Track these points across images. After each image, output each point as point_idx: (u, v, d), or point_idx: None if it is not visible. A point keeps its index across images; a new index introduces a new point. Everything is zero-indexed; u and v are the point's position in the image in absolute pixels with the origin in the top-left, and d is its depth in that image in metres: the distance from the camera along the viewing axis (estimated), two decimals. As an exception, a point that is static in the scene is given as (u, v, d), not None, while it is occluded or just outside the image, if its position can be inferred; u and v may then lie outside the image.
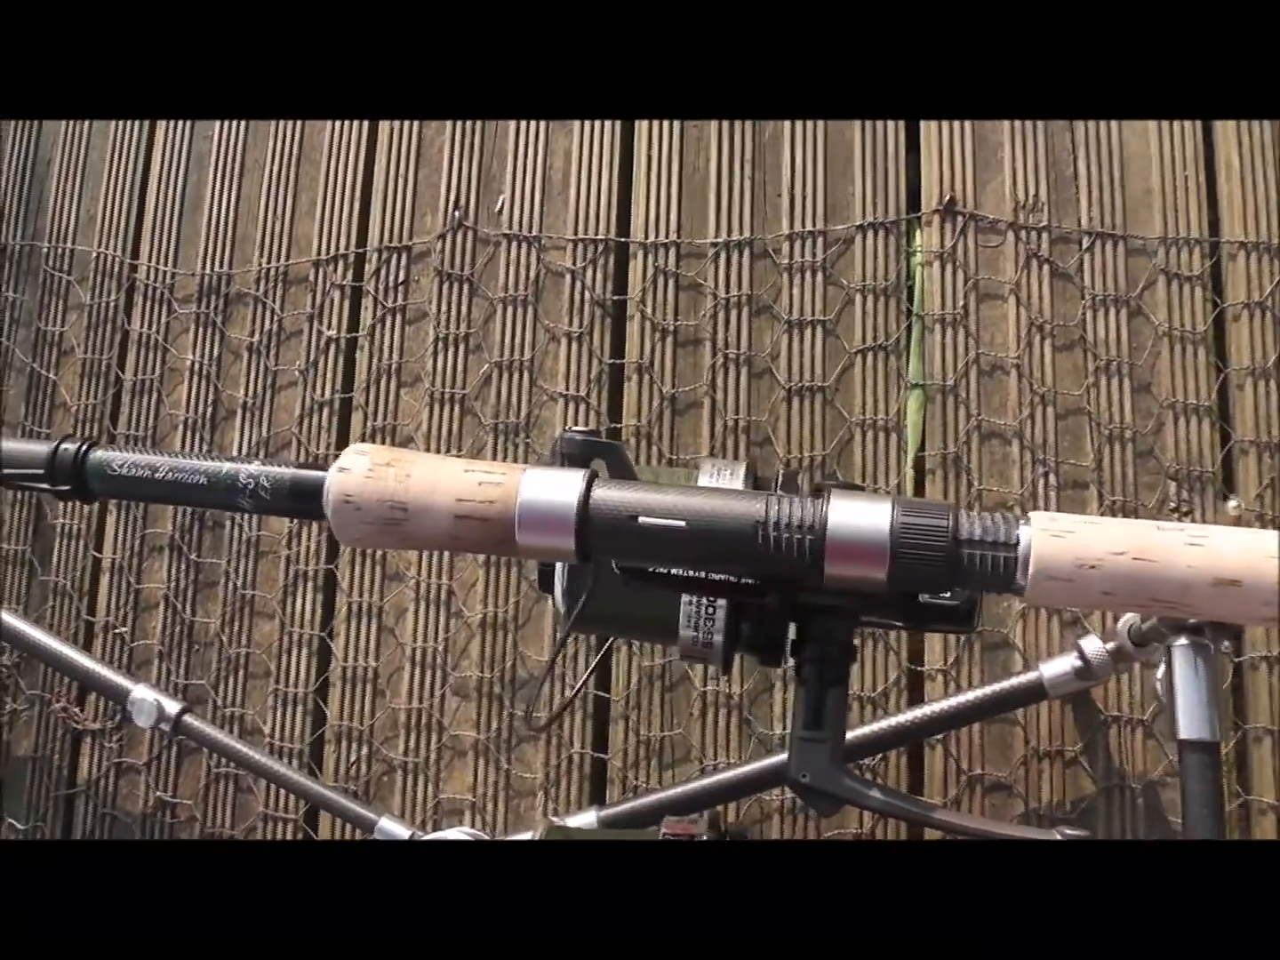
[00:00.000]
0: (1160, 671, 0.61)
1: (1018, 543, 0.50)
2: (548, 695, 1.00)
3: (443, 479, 0.53)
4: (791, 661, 0.58)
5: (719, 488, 0.56)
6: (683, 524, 0.52)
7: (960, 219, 1.02)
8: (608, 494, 0.53)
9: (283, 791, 1.04)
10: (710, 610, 0.59)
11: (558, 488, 0.52)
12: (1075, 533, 0.51)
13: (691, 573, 0.55)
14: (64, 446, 0.60)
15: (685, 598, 0.58)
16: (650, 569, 0.55)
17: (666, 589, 0.57)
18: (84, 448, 0.60)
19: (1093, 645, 0.80)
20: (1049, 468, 0.97)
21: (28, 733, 1.13)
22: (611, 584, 0.57)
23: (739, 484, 0.60)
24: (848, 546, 0.51)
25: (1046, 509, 0.96)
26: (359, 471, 0.53)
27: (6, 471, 0.61)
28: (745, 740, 0.97)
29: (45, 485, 0.60)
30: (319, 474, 0.56)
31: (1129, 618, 0.77)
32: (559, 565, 0.59)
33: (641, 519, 0.52)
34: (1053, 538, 0.51)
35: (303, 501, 0.56)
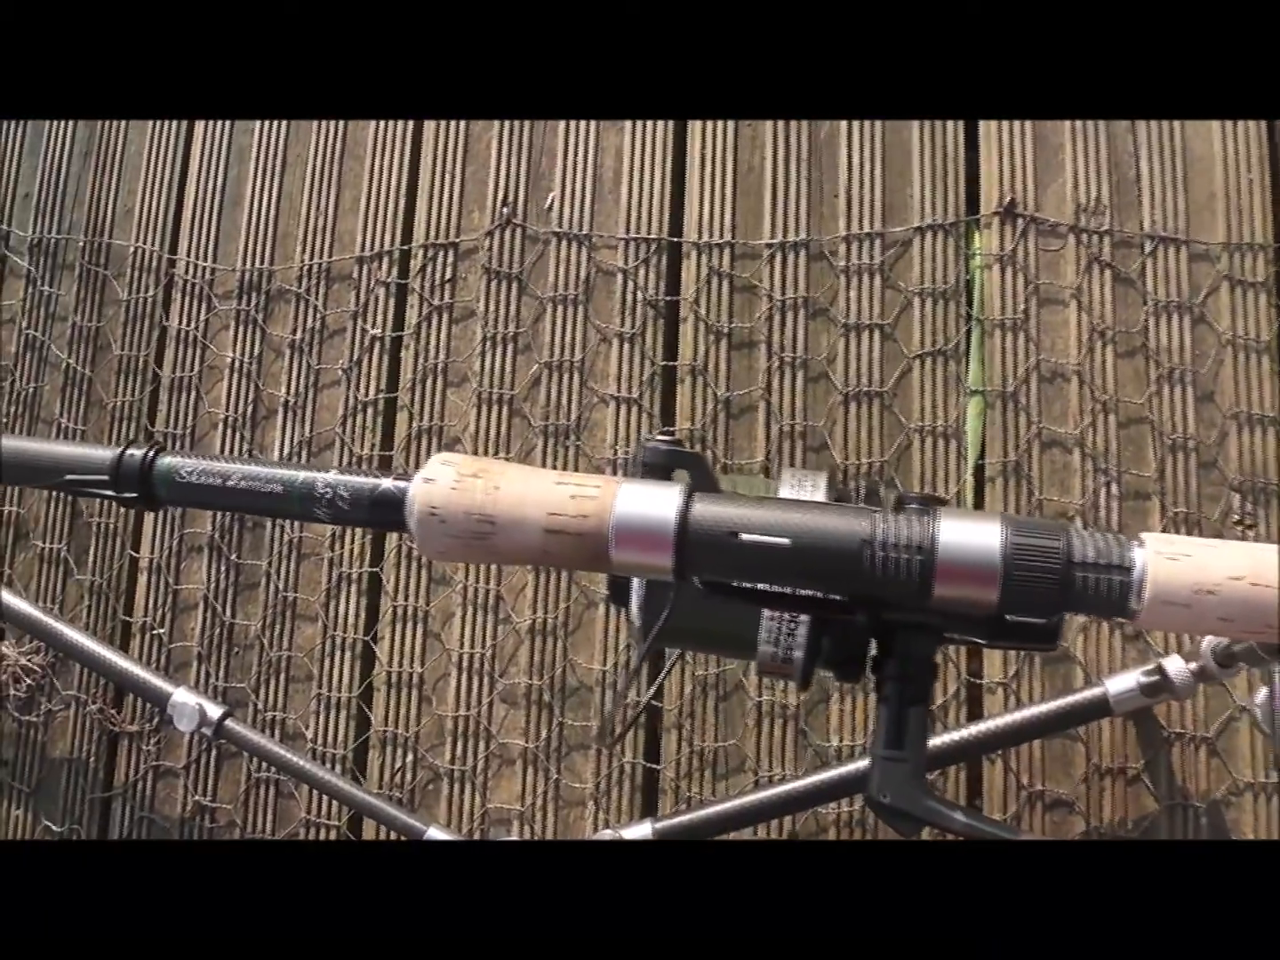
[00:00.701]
0: (1260, 696, 0.59)
1: (1132, 565, 0.48)
2: (598, 704, 0.99)
3: (533, 492, 0.51)
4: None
5: (819, 503, 0.54)
6: (786, 542, 0.50)
7: (1020, 221, 1.00)
8: (707, 509, 0.51)
9: (325, 798, 1.02)
10: (792, 626, 0.57)
11: (655, 502, 0.51)
12: (1192, 556, 0.49)
13: (777, 587, 0.53)
14: (130, 452, 0.58)
15: (766, 613, 0.56)
16: (735, 583, 0.53)
17: (751, 604, 0.55)
18: (151, 453, 0.58)
19: (1176, 665, 0.78)
20: (1110, 477, 0.95)
21: (63, 734, 1.11)
22: (692, 598, 0.55)
23: (822, 495, 0.58)
24: (958, 568, 0.49)
25: (1108, 520, 0.94)
26: (445, 482, 0.51)
27: (69, 478, 0.59)
28: (801, 752, 0.95)
29: (110, 492, 0.58)
30: (401, 484, 0.54)
31: (1213, 637, 0.75)
32: (635, 578, 0.58)
33: (743, 536, 0.50)
34: (1169, 561, 0.49)
35: (383, 512, 0.54)
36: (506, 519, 0.51)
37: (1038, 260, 0.99)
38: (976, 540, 0.49)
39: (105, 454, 0.59)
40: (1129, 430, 0.95)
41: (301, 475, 0.55)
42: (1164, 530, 0.93)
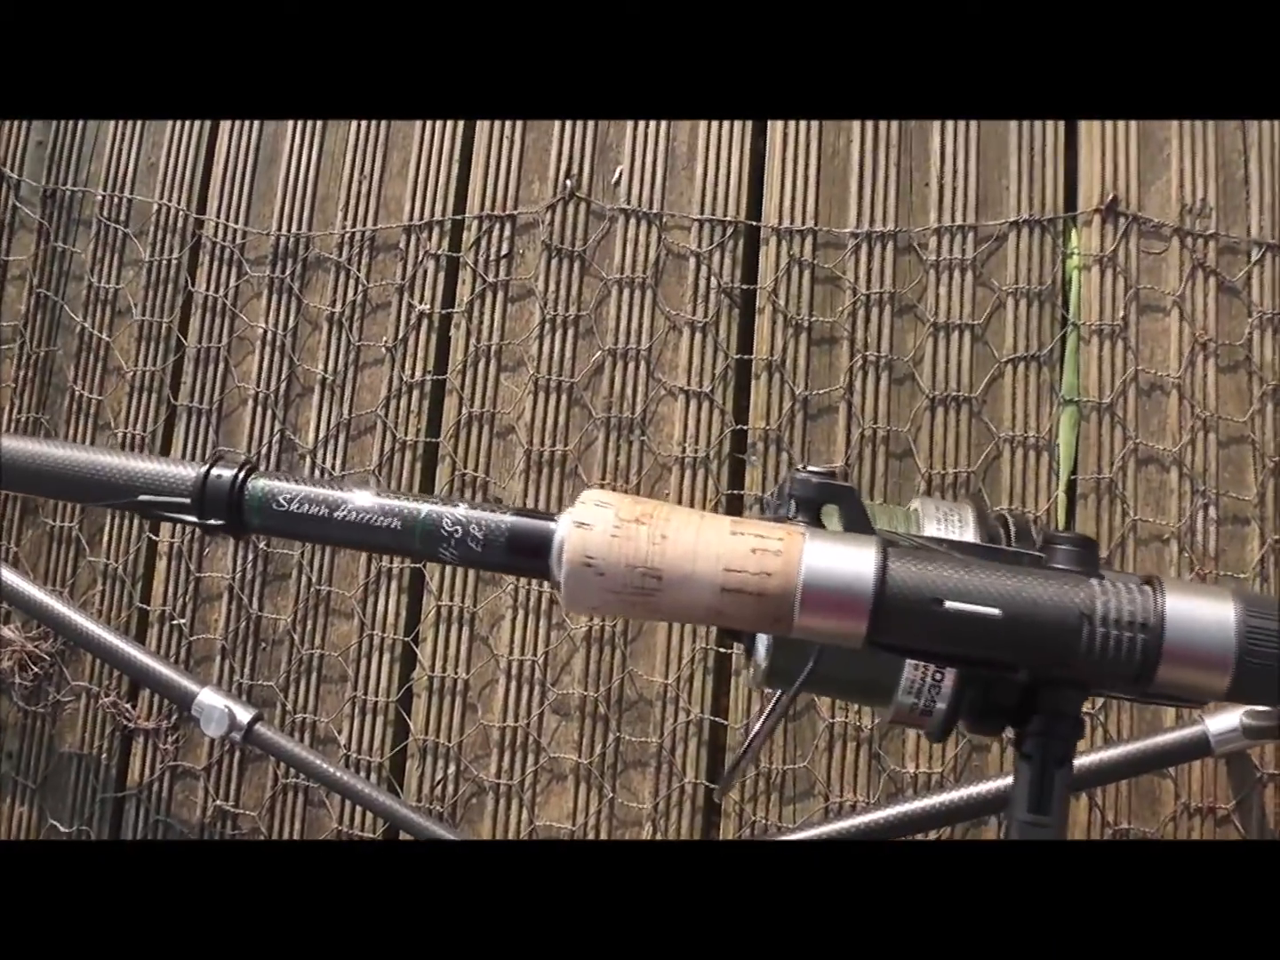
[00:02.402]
0: None
1: (1378, 656, 0.43)
2: (658, 719, 0.93)
3: (707, 543, 0.45)
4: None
5: (1024, 556, 0.48)
6: (996, 612, 0.44)
7: (1122, 221, 0.93)
8: (908, 570, 0.44)
9: (359, 808, 0.95)
10: (937, 677, 0.51)
11: (849, 560, 0.44)
12: None
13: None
14: (216, 472, 0.51)
15: (910, 662, 0.51)
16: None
17: (905, 656, 0.50)
18: (242, 474, 0.51)
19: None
20: (1208, 499, 0.90)
21: (73, 728, 1.03)
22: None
23: (971, 533, 0.53)
24: (1187, 651, 0.44)
25: (1205, 544, 0.89)
26: (603, 528, 0.45)
27: (143, 498, 0.51)
28: (875, 777, 0.90)
29: (191, 517, 0.51)
30: (546, 525, 0.47)
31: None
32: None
33: (948, 604, 0.44)
34: None
35: (523, 558, 0.47)
36: (675, 574, 0.44)
37: (1139, 263, 0.93)
38: (1208, 619, 0.44)
39: (187, 472, 0.51)
40: (1229, 450, 0.90)
41: (425, 509, 0.48)
42: (1262, 559, 0.88)
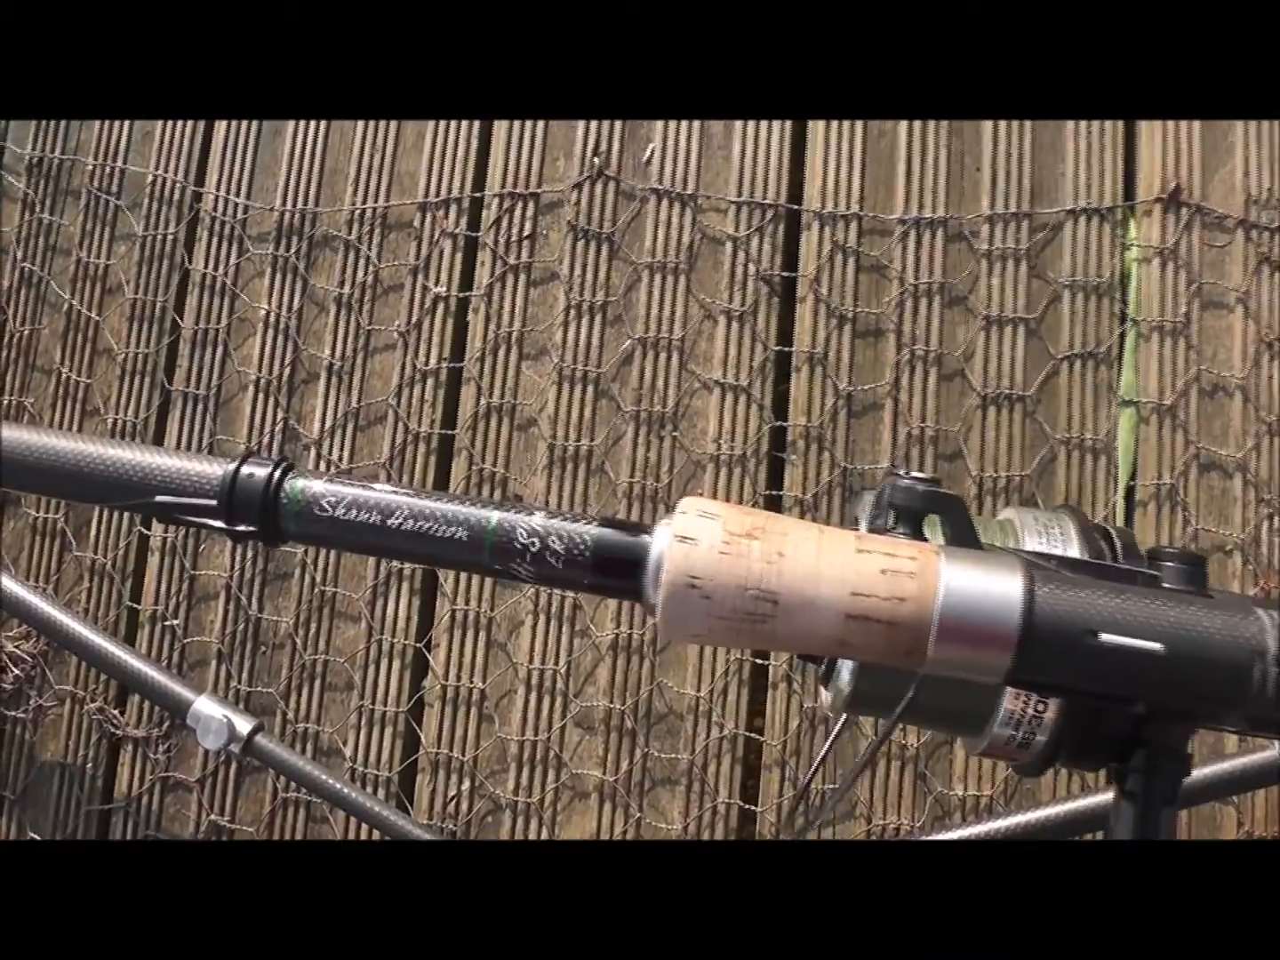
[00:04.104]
0: None
1: None
2: (690, 734, 0.87)
3: (830, 562, 0.39)
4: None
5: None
6: (1159, 648, 0.38)
7: (1184, 211, 0.88)
8: (1057, 596, 0.39)
9: (365, 825, 0.89)
10: (1040, 708, 0.46)
11: (992, 583, 0.39)
12: None
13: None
14: (248, 470, 0.44)
15: (1014, 691, 0.45)
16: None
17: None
18: (277, 473, 0.44)
19: None
20: (1273, 509, 0.85)
21: (56, 734, 0.96)
22: (931, 670, 0.44)
23: (1074, 547, 0.48)
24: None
25: (1270, 556, 0.84)
26: (710, 543, 0.39)
27: (161, 499, 0.45)
28: (920, 799, 0.84)
29: (218, 523, 0.44)
30: (639, 539, 0.41)
31: None
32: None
33: (1104, 636, 0.38)
34: None
35: (611, 577, 0.41)
36: (794, 598, 0.38)
37: (1201, 257, 0.88)
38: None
39: (213, 470, 0.45)
40: (1294, 457, 0.85)
41: (495, 517, 0.42)
42: (1328, 570, 0.84)
